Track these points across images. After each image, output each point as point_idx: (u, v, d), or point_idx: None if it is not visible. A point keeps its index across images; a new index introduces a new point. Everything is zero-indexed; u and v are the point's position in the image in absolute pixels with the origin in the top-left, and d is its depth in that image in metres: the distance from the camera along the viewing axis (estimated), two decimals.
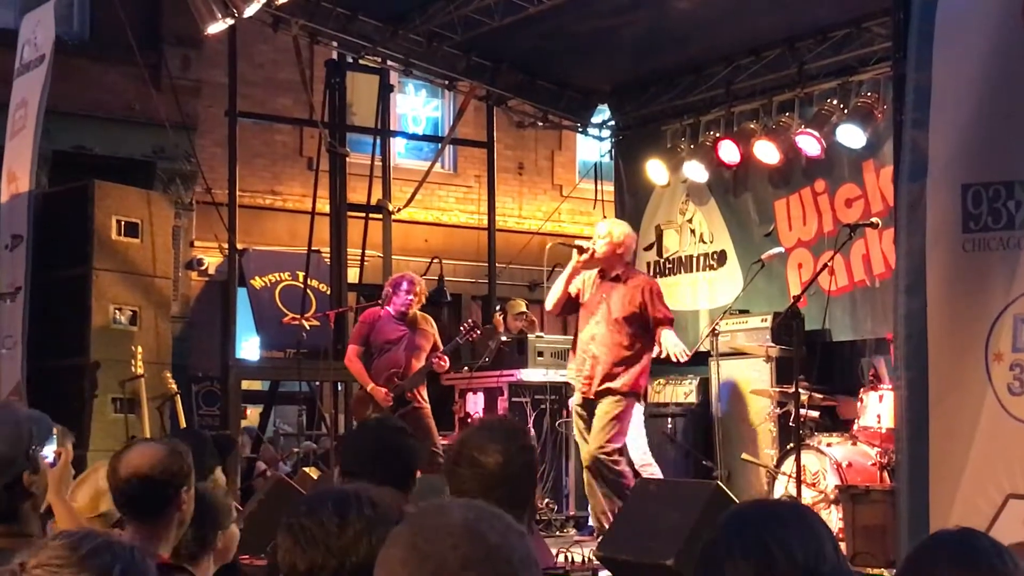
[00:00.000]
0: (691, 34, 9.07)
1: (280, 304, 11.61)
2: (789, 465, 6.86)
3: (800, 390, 6.84)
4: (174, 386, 8.25)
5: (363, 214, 10.61)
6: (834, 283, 7.74)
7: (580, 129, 11.11)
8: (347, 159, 10.48)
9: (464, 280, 12.97)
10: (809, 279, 7.94)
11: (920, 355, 4.38)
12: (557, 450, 8.57)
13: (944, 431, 4.32)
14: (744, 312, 8.77)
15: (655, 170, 10.12)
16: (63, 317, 8.39)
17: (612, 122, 10.87)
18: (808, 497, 6.67)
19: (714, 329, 8.14)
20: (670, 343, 6.87)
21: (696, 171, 9.74)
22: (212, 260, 12.20)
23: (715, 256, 9.91)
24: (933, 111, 4.44)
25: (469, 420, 9.07)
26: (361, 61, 10.22)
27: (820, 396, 7.50)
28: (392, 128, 11.70)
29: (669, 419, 9.11)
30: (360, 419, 8.09)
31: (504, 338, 9.33)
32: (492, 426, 3.02)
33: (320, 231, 10.41)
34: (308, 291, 10.68)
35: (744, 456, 8.15)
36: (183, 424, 8.25)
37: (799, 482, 6.54)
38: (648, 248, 10.42)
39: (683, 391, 9.21)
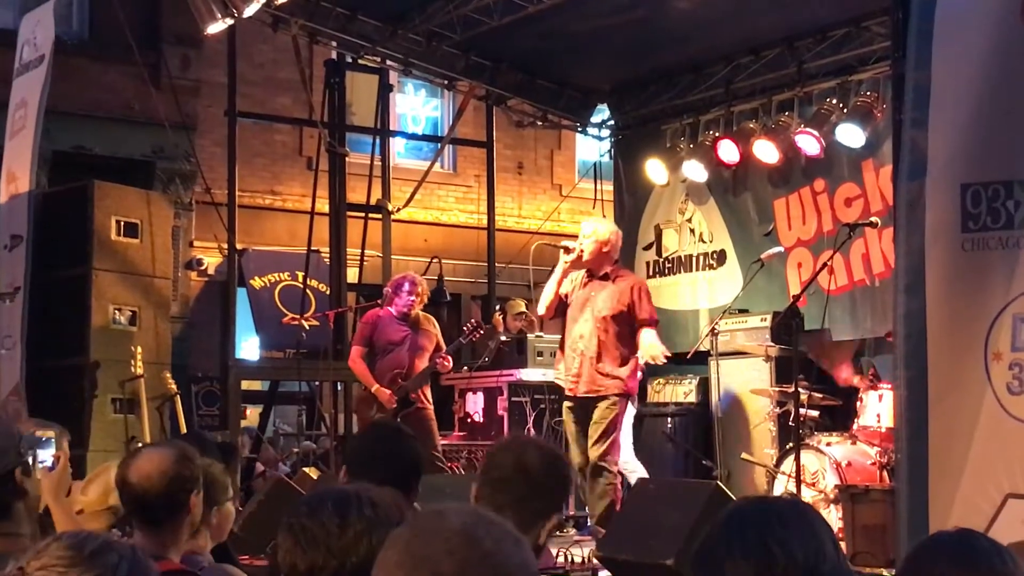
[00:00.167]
0: (690, 33, 9.07)
1: (280, 304, 11.61)
2: (789, 465, 6.86)
3: (800, 389, 6.85)
4: (174, 386, 8.25)
5: (362, 214, 10.60)
6: (834, 282, 7.75)
7: (579, 129, 11.11)
8: (346, 159, 10.48)
9: (463, 280, 12.96)
10: (809, 278, 7.94)
11: (919, 354, 4.38)
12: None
13: (943, 430, 4.33)
14: (744, 312, 8.77)
15: (654, 169, 10.12)
16: (63, 317, 8.39)
17: (611, 121, 10.87)
18: (808, 497, 6.67)
19: (713, 329, 8.14)
20: (646, 346, 6.79)
21: (695, 170, 9.74)
22: (212, 260, 12.20)
23: (714, 256, 9.91)
24: (932, 110, 4.44)
25: (469, 420, 9.08)
26: (360, 61, 10.22)
27: (820, 395, 7.50)
28: (391, 128, 11.69)
29: (669, 419, 9.11)
30: (364, 420, 8.10)
31: (504, 338, 9.33)
32: (539, 440, 3.18)
33: (319, 231, 10.41)
34: (307, 291, 10.68)
35: (744, 456, 8.15)
36: (183, 424, 8.25)
37: (799, 482, 6.54)
38: (647, 248, 10.42)
39: (683, 391, 9.21)
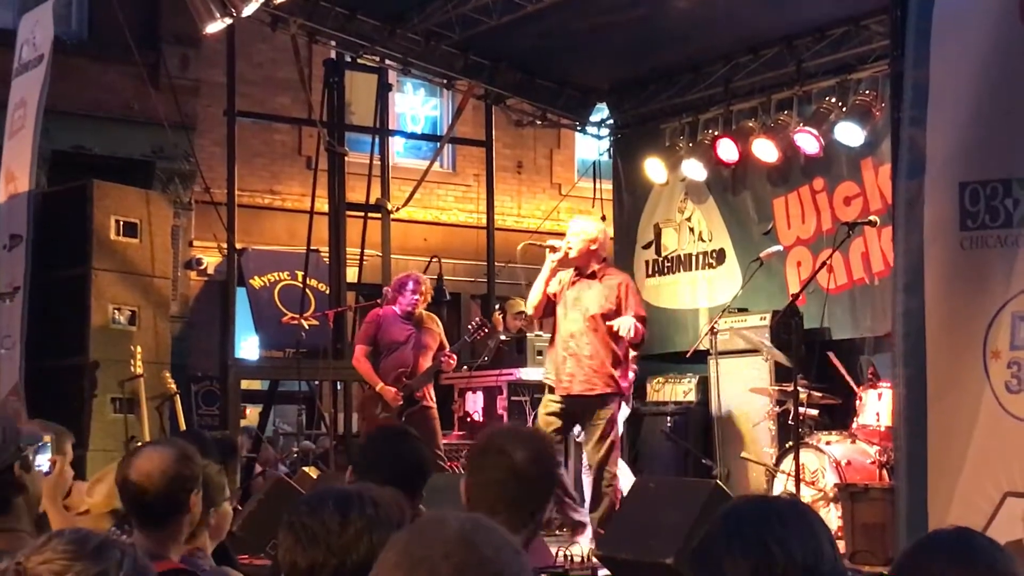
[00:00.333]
0: (690, 32, 9.07)
1: (279, 303, 11.61)
2: (788, 463, 6.87)
3: (799, 388, 6.85)
4: (173, 386, 8.25)
5: (362, 213, 10.60)
6: (833, 281, 7.76)
7: (579, 128, 11.12)
8: (346, 158, 10.48)
9: (463, 279, 12.97)
10: (808, 277, 7.95)
11: (918, 353, 4.39)
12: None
13: (942, 429, 4.33)
14: (743, 310, 8.77)
15: (654, 168, 10.12)
16: (62, 317, 8.39)
17: (611, 120, 10.87)
18: (807, 495, 6.68)
19: (713, 327, 8.14)
20: (622, 320, 6.66)
21: (695, 169, 9.75)
22: (211, 260, 12.21)
23: (714, 254, 9.92)
24: (931, 109, 4.44)
25: (468, 419, 9.09)
26: (359, 60, 10.23)
27: (819, 394, 7.50)
28: (391, 127, 11.69)
29: (668, 417, 9.12)
30: (368, 419, 8.10)
31: (503, 337, 9.33)
32: (523, 429, 3.09)
33: (319, 230, 10.41)
34: (307, 290, 10.68)
35: (743, 454, 8.16)
36: (182, 423, 8.24)
37: (798, 480, 6.55)
38: (647, 247, 10.43)
39: (682, 390, 9.22)
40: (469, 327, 8.33)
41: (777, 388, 7.81)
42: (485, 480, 2.79)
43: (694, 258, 10.07)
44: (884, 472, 6.80)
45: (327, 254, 10.62)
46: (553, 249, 6.86)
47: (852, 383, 7.44)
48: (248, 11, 8.31)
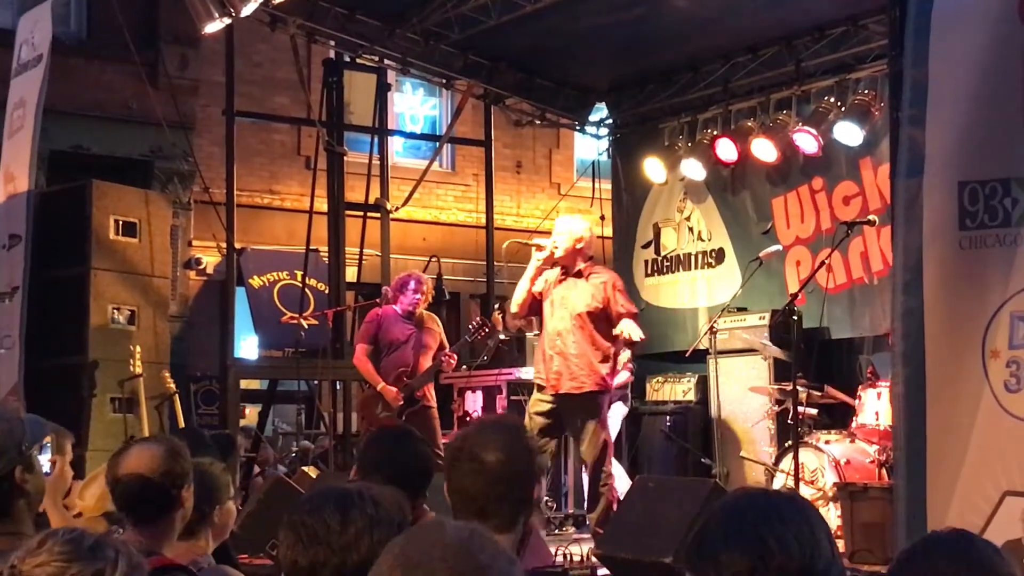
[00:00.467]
0: (689, 32, 9.07)
1: (278, 303, 11.60)
2: (787, 463, 6.88)
3: (798, 388, 6.85)
4: (173, 385, 8.25)
5: (361, 213, 10.60)
6: (832, 280, 7.77)
7: (578, 127, 11.12)
8: (345, 158, 10.48)
9: (462, 279, 12.97)
10: (807, 277, 7.95)
11: (917, 352, 4.39)
12: (556, 448, 8.57)
13: (941, 428, 4.33)
14: (742, 310, 8.79)
15: (653, 168, 10.13)
16: (61, 317, 8.38)
17: (610, 120, 10.88)
18: (806, 495, 6.68)
19: (712, 327, 8.15)
20: (628, 325, 6.67)
21: (694, 169, 9.75)
22: (210, 259, 12.20)
23: (713, 254, 9.92)
24: (930, 108, 4.44)
25: (468, 419, 9.08)
26: (359, 60, 10.23)
27: (818, 394, 7.51)
28: (390, 127, 11.70)
29: (667, 417, 9.13)
30: (369, 418, 8.10)
31: (503, 336, 9.33)
32: (494, 424, 2.94)
33: (318, 230, 10.41)
34: (306, 290, 10.67)
35: (743, 454, 8.17)
36: (182, 423, 8.24)
37: (797, 479, 6.55)
38: (646, 246, 10.44)
39: (681, 389, 9.23)
40: (470, 327, 8.33)
41: (776, 387, 7.82)
42: (462, 487, 2.72)
43: (693, 258, 10.08)
44: (883, 471, 6.81)
45: (326, 254, 10.62)
46: (539, 248, 6.86)
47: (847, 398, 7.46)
48: (247, 11, 8.30)
